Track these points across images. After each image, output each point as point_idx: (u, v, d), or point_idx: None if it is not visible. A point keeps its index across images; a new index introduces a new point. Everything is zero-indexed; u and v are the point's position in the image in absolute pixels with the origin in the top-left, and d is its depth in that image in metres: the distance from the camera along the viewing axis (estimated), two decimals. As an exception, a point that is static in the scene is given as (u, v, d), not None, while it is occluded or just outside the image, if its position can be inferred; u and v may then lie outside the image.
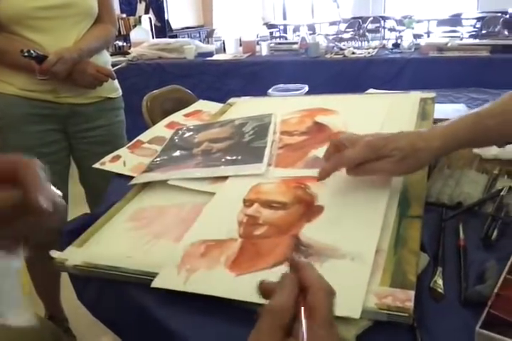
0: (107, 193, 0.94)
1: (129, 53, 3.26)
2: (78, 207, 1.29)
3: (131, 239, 0.70)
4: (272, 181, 0.76)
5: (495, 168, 0.87)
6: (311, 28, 7.28)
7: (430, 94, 1.02)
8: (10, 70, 1.28)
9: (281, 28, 8.58)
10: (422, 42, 3.14)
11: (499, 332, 0.46)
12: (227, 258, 0.60)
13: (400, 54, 2.95)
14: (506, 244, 0.64)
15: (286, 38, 7.27)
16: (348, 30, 7.52)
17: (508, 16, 6.46)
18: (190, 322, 0.54)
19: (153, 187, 0.84)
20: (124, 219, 0.76)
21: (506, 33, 4.40)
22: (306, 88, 1.55)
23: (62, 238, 0.75)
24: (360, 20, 7.63)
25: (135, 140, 1.10)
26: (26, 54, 1.17)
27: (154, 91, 1.70)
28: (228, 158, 0.86)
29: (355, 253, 0.57)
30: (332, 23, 8.22)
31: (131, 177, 0.89)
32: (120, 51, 4.13)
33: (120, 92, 1.49)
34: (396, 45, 3.11)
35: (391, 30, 7.53)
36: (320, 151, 0.79)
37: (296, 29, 7.77)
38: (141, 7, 7.08)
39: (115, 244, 0.70)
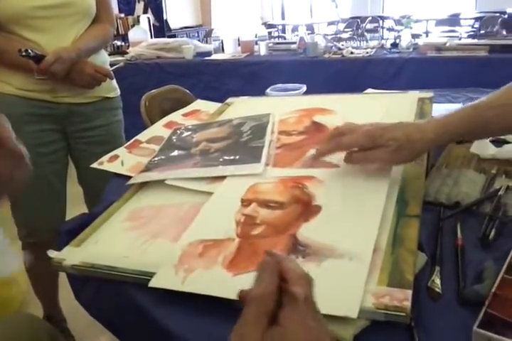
0: (105, 193, 0.94)
1: (127, 53, 3.26)
2: (76, 207, 1.30)
3: (129, 238, 0.70)
4: (269, 181, 0.76)
5: (493, 168, 0.87)
6: (310, 28, 7.29)
7: (428, 94, 1.02)
8: (8, 70, 1.28)
9: (280, 27, 8.57)
10: (421, 42, 3.14)
11: (497, 331, 0.46)
12: (225, 258, 0.60)
13: (399, 54, 2.94)
14: (504, 244, 0.64)
15: (284, 38, 7.26)
16: (346, 30, 7.50)
17: (506, 16, 6.46)
18: (187, 322, 0.54)
19: (151, 187, 0.84)
20: (121, 219, 0.76)
21: (504, 32, 4.39)
22: (305, 88, 1.55)
23: (60, 238, 0.75)
24: (358, 20, 7.64)
25: (133, 139, 1.10)
26: (24, 53, 1.17)
27: (152, 90, 1.70)
28: (226, 157, 0.86)
29: (353, 252, 0.57)
30: (330, 23, 8.21)
31: (129, 177, 0.89)
32: (118, 51, 4.12)
33: (118, 92, 1.49)
34: (394, 45, 3.10)
35: (389, 30, 7.53)
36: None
37: (294, 29, 7.78)
38: (139, 7, 7.07)
39: (113, 243, 0.70)
